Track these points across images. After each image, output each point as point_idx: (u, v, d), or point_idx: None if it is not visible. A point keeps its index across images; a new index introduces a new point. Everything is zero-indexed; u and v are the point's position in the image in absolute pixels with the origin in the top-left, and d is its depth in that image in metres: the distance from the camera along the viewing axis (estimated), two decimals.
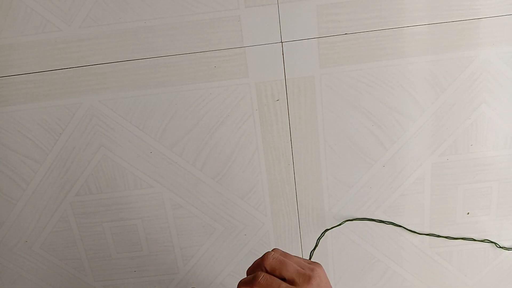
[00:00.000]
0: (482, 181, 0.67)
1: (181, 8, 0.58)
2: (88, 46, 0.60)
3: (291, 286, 0.41)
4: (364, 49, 0.60)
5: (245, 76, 0.61)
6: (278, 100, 0.63)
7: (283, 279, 0.42)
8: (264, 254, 0.44)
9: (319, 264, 0.45)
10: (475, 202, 0.68)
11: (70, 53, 0.60)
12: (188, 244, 0.70)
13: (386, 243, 0.70)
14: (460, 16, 0.59)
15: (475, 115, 0.64)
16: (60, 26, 0.59)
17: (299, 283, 0.41)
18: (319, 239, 0.67)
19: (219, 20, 0.59)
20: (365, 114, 0.63)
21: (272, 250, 0.46)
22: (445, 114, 0.63)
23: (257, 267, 0.44)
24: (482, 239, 0.69)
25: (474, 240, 0.69)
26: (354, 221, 0.68)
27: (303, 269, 0.43)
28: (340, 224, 0.67)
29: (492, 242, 0.69)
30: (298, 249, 0.70)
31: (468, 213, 0.69)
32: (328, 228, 0.67)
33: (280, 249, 0.47)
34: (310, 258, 0.62)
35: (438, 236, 0.69)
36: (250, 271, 0.45)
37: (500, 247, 0.70)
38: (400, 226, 0.68)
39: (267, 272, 0.43)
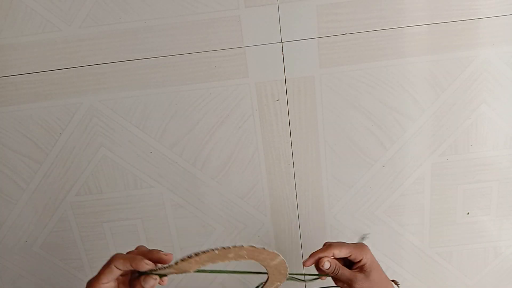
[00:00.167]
0: (482, 181, 0.67)
1: (181, 8, 0.58)
2: (88, 46, 0.60)
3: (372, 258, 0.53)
4: (364, 49, 0.60)
5: (245, 76, 0.61)
6: (278, 100, 0.63)
7: None
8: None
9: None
10: (475, 202, 0.68)
11: (70, 53, 0.60)
12: (188, 244, 0.70)
13: (386, 243, 0.70)
14: (460, 16, 0.59)
15: (475, 115, 0.64)
16: (60, 26, 0.59)
17: (358, 252, 0.53)
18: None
19: (219, 20, 0.59)
20: (365, 114, 0.63)
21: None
22: (445, 114, 0.63)
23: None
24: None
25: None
26: (354, 222, 0.68)
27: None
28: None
29: None
30: (298, 249, 0.70)
31: (468, 213, 0.69)
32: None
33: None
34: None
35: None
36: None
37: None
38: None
39: None
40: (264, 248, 0.43)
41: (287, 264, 0.46)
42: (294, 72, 0.61)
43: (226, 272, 0.49)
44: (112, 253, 0.70)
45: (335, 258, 0.53)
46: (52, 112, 0.62)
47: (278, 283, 0.50)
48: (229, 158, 0.65)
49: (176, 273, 0.44)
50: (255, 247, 0.42)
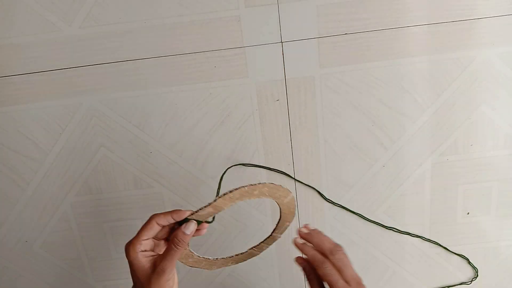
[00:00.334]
0: (482, 181, 0.67)
1: (181, 8, 0.58)
2: (88, 46, 0.60)
3: (347, 285, 0.47)
4: (364, 49, 0.60)
5: (245, 76, 0.61)
6: (278, 100, 0.63)
7: None
8: (335, 247, 0.50)
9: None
10: (475, 202, 0.68)
11: (70, 53, 0.60)
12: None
13: (386, 243, 0.70)
14: (460, 16, 0.59)
15: (475, 115, 0.64)
16: (60, 26, 0.59)
17: (353, 286, 0.47)
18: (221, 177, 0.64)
19: (219, 20, 0.59)
20: (365, 114, 0.63)
21: (339, 246, 0.50)
22: (445, 114, 0.63)
23: (325, 252, 0.50)
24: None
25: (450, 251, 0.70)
26: (353, 222, 0.68)
27: (355, 274, 0.49)
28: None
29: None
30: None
31: (468, 213, 0.69)
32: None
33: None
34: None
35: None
36: (319, 249, 0.51)
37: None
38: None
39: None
40: (281, 186, 0.49)
41: (296, 202, 0.51)
42: (294, 72, 0.61)
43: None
44: (112, 253, 0.70)
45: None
46: (52, 112, 0.62)
47: (287, 223, 0.56)
48: (229, 158, 0.65)
49: (213, 213, 0.48)
50: (274, 184, 0.48)
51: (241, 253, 0.56)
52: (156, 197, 0.67)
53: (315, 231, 0.52)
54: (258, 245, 0.56)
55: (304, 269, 0.52)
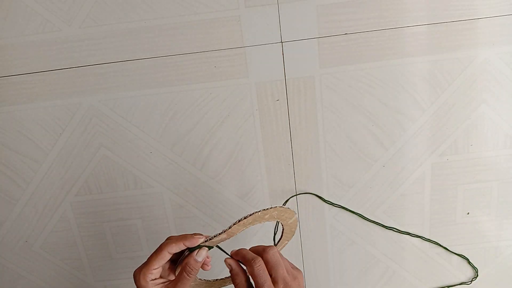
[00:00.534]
0: (482, 181, 0.67)
1: (181, 8, 0.58)
2: (88, 46, 0.60)
3: (272, 286, 0.45)
4: (364, 49, 0.60)
5: (245, 76, 0.61)
6: (278, 100, 0.63)
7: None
8: (269, 246, 0.48)
9: (301, 272, 0.49)
10: (475, 202, 0.68)
11: (70, 53, 0.60)
12: None
13: (386, 243, 0.70)
14: (459, 16, 0.59)
15: (475, 115, 0.64)
16: (60, 26, 0.59)
17: (280, 286, 0.46)
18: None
19: (219, 20, 0.59)
20: (365, 114, 0.63)
21: (272, 247, 0.49)
22: (445, 114, 0.63)
23: (258, 252, 0.48)
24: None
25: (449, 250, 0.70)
26: (353, 222, 0.68)
27: (288, 274, 0.47)
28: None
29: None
30: (298, 249, 0.70)
31: (468, 213, 0.69)
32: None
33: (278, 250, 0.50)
34: (274, 234, 0.63)
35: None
36: (253, 250, 0.49)
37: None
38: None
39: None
40: (288, 208, 0.51)
41: (298, 222, 0.53)
42: (294, 72, 0.61)
43: None
44: (112, 253, 0.70)
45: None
46: (52, 112, 0.62)
47: (286, 242, 0.57)
48: (229, 158, 0.65)
49: (225, 239, 0.49)
50: (283, 207, 0.50)
51: None
52: (156, 197, 0.67)
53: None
54: None
55: (231, 270, 0.49)
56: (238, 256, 0.49)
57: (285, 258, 0.49)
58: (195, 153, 0.65)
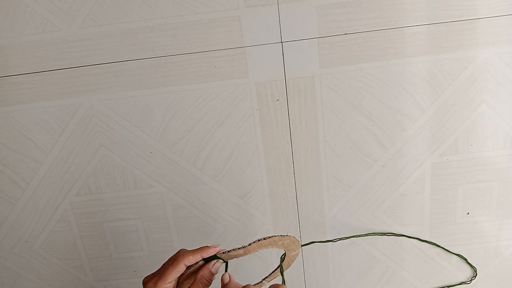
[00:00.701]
0: (482, 181, 0.67)
1: (181, 8, 0.58)
2: (88, 46, 0.60)
3: None
4: (364, 49, 0.60)
5: (245, 76, 0.61)
6: (278, 100, 0.63)
7: None
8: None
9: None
10: (475, 202, 0.68)
11: (70, 53, 0.60)
12: (188, 244, 0.70)
13: (386, 243, 0.70)
14: (459, 16, 0.59)
15: (475, 115, 0.64)
16: (60, 26, 0.59)
17: None
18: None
19: (219, 20, 0.59)
20: (365, 114, 0.63)
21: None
22: (445, 114, 0.63)
23: None
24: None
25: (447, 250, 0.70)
26: (354, 222, 0.68)
27: None
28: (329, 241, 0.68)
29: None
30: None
31: (468, 213, 0.69)
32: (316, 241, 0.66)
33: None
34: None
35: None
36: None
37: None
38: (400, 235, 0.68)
39: None
40: (298, 241, 0.51)
41: (299, 251, 0.53)
42: (294, 72, 0.61)
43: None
44: (112, 253, 0.70)
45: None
46: (52, 112, 0.62)
47: (277, 275, 0.55)
48: (229, 158, 0.65)
49: (241, 255, 0.48)
50: (295, 238, 0.50)
51: None
52: (156, 197, 0.67)
53: None
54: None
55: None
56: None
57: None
58: (195, 153, 0.65)
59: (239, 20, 0.59)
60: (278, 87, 0.62)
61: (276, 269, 0.54)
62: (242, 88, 0.62)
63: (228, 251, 0.48)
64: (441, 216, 0.69)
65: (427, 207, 0.68)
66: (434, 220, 0.69)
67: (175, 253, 0.48)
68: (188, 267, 0.48)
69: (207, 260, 0.48)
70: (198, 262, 0.48)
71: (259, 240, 0.47)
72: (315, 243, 0.63)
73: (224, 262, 0.48)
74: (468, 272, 0.72)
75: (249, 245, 0.47)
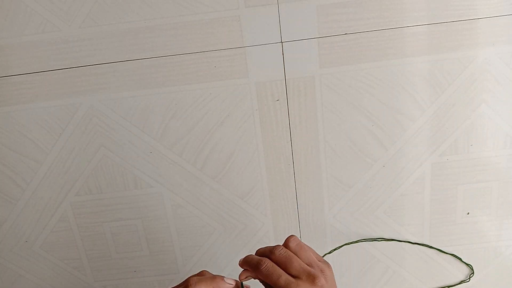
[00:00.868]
0: (482, 181, 0.67)
1: (181, 8, 0.58)
2: (88, 46, 0.60)
3: (292, 279, 0.41)
4: (364, 49, 0.60)
5: (245, 76, 0.61)
6: (278, 100, 0.63)
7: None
8: (275, 246, 0.45)
9: (329, 264, 0.45)
10: (475, 202, 0.68)
11: (70, 53, 0.60)
12: (188, 244, 0.70)
13: (386, 243, 0.70)
14: (460, 16, 0.59)
15: (475, 115, 0.64)
16: (60, 26, 0.59)
17: (303, 280, 0.41)
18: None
19: (219, 20, 0.59)
20: (365, 114, 0.63)
21: (289, 237, 0.45)
22: (445, 114, 0.63)
23: (266, 253, 0.45)
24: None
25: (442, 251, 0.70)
26: (354, 222, 0.68)
27: (312, 266, 0.43)
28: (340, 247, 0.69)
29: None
30: None
31: (468, 213, 0.69)
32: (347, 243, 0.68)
33: (297, 238, 0.46)
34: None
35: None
36: (260, 253, 0.46)
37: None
38: (403, 241, 0.69)
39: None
40: None
41: None
42: (294, 72, 0.61)
43: None
44: (112, 253, 0.70)
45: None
46: (52, 112, 0.62)
47: None
48: (229, 158, 0.65)
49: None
50: None
51: None
52: (156, 197, 0.67)
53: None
54: None
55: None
56: (245, 265, 0.45)
57: (309, 249, 0.45)
58: (195, 153, 0.65)
59: (239, 20, 0.59)
60: (278, 87, 0.62)
61: None
62: (242, 88, 0.62)
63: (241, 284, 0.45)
64: (441, 216, 0.69)
65: (427, 207, 0.68)
66: (434, 220, 0.69)
67: (182, 281, 0.46)
68: None
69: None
70: None
71: None
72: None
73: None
74: (468, 272, 0.72)
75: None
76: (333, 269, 0.45)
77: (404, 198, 0.68)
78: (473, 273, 0.71)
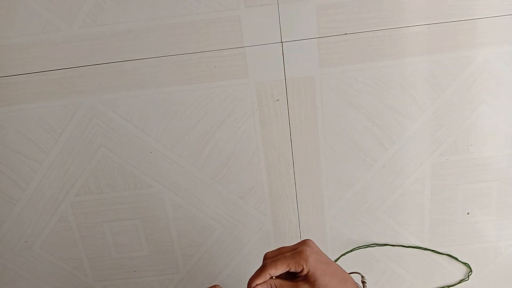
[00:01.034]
0: (482, 181, 0.67)
1: (181, 8, 0.58)
2: (88, 46, 0.60)
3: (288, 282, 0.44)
4: (364, 49, 0.60)
5: (245, 76, 0.61)
6: (278, 100, 0.63)
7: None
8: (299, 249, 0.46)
9: (308, 239, 0.48)
10: (475, 202, 0.68)
11: (70, 53, 0.60)
12: (188, 244, 0.70)
13: (386, 243, 0.70)
14: (460, 16, 0.59)
15: (475, 115, 0.64)
16: (60, 26, 0.59)
17: (296, 262, 0.44)
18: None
19: (219, 20, 0.59)
20: (365, 114, 0.63)
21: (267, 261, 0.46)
22: (445, 114, 0.63)
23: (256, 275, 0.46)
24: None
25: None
26: (354, 222, 0.68)
27: (294, 249, 0.45)
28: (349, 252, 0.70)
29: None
30: None
31: (468, 213, 0.69)
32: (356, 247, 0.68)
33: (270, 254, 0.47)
34: None
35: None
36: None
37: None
38: (427, 249, 0.70)
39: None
40: None
41: None
42: (294, 72, 0.61)
43: None
44: (112, 253, 0.70)
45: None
46: (52, 112, 0.62)
47: None
48: (229, 158, 0.65)
49: None
50: None
51: None
52: (156, 197, 0.67)
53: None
54: None
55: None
56: (253, 282, 0.45)
57: (282, 247, 0.47)
58: (195, 153, 0.65)
59: (239, 20, 0.59)
60: (278, 87, 0.62)
61: None
62: (242, 88, 0.62)
63: None
64: (441, 216, 0.69)
65: (427, 207, 0.68)
66: (434, 220, 0.69)
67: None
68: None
69: None
70: None
71: None
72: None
73: None
74: (467, 270, 0.72)
75: None
76: None
77: (404, 198, 0.68)
78: (471, 271, 0.71)
